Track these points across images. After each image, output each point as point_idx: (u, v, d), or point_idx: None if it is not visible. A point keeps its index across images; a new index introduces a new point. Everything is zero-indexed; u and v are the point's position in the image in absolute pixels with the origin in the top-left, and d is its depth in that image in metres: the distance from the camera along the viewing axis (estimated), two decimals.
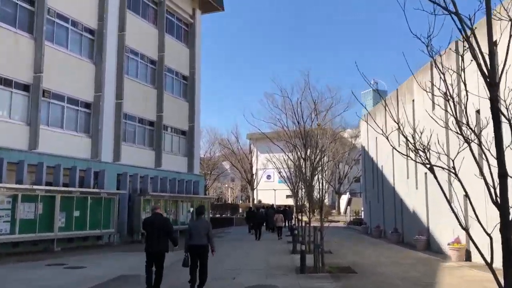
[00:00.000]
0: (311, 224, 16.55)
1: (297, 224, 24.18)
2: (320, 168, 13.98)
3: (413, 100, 20.77)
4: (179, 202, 28.92)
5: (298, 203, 25.87)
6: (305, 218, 23.78)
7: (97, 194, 22.43)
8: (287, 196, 57.32)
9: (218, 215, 44.41)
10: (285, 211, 33.94)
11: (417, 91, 20.16)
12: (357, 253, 18.15)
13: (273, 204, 43.23)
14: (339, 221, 43.27)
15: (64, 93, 22.61)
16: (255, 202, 62.86)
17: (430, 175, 16.15)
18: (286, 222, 33.73)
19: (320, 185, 13.92)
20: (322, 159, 14.00)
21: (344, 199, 60.89)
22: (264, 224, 30.39)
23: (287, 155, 22.61)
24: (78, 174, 22.19)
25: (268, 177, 69.80)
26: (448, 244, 15.27)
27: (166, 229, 9.66)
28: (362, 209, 38.28)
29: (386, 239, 24.82)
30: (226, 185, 73.37)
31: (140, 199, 25.39)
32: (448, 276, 12.03)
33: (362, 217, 38.31)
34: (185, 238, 9.91)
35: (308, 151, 16.54)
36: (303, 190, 20.21)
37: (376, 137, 28.45)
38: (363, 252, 18.49)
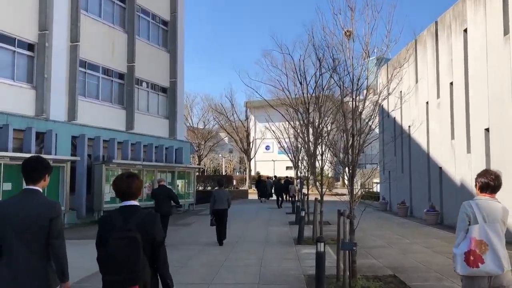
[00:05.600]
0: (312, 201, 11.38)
1: (300, 201, 18.74)
2: (356, 117, 8.34)
3: (465, 30, 14.97)
4: (156, 172, 23.51)
5: (299, 175, 21.71)
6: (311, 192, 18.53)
7: None
8: (287, 168, 52.48)
9: (209, 188, 38.81)
10: (288, 181, 30.15)
11: (474, 14, 14.31)
12: (393, 244, 12.69)
13: (269, 176, 40.82)
14: (344, 194, 38.00)
15: None
16: (253, 173, 57.65)
17: (495, 132, 9.61)
18: (287, 196, 30.10)
19: (350, 151, 8.37)
20: (359, 108, 8.39)
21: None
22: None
23: (289, 122, 20.54)
24: (11, 134, 16.68)
25: (267, 147, 65.03)
26: None
27: (170, 195, 12.76)
28: (377, 181, 32.75)
29: (416, 219, 19.37)
30: (221, 155, 67.94)
31: (102, 168, 19.92)
32: None
33: (376, 190, 32.91)
34: (210, 203, 12.72)
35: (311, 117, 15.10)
36: (307, 160, 16.90)
37: (401, 91, 22.69)
38: (400, 242, 13.04)
